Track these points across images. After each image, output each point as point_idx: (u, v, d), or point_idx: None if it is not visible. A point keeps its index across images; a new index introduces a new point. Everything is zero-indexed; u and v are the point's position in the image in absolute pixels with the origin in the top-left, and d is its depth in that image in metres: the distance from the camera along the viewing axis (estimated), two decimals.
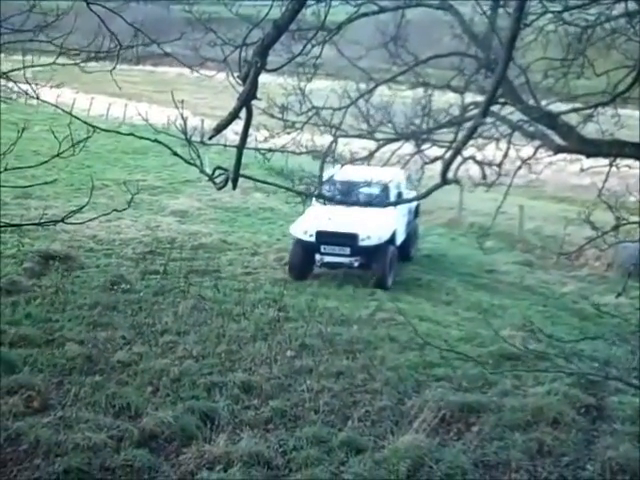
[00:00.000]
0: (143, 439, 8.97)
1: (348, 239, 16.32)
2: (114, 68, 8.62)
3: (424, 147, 10.57)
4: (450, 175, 5.16)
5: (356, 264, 16.43)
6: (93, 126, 6.54)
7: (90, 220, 7.52)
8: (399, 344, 12.76)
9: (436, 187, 4.71)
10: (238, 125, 5.47)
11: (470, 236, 21.49)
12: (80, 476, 8.07)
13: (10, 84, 8.67)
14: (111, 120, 39.69)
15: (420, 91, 11.17)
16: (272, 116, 9.20)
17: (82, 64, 8.75)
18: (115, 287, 14.39)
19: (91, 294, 13.94)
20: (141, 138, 5.99)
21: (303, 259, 16.51)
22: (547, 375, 11.05)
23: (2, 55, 9.52)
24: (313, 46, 8.63)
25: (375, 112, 11.01)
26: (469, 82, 9.91)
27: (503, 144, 9.22)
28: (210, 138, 5.16)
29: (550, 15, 9.03)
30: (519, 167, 10.02)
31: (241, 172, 5.27)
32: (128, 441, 8.86)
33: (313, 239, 16.43)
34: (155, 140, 5.49)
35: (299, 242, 16.63)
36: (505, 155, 9.05)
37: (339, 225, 16.27)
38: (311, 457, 8.78)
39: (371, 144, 11.17)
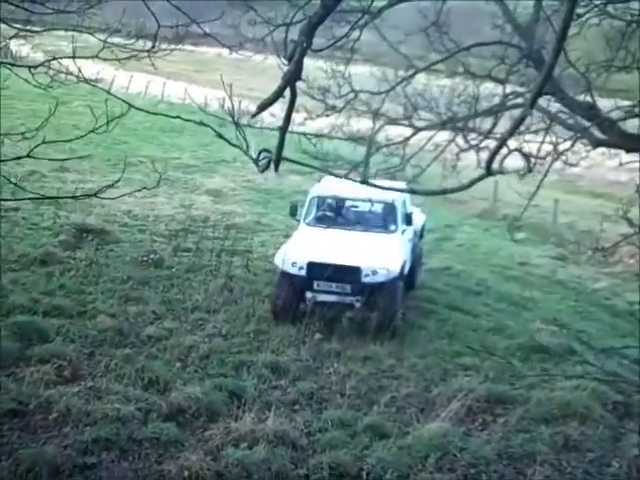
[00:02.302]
0: (171, 413, 9.08)
1: (348, 274, 12.27)
2: (153, 47, 8.69)
3: (461, 135, 10.54)
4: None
5: (357, 305, 12.34)
6: (130, 104, 6.59)
7: (122, 196, 7.57)
8: (427, 331, 12.76)
9: (480, 178, 4.67)
10: (274, 108, 5.48)
11: (503, 227, 21.32)
12: (108, 446, 8.20)
13: (53, 65, 8.75)
14: (149, 98, 39.83)
15: (458, 79, 11.12)
16: (313, 97, 9.20)
17: (123, 61, 8.81)
18: (148, 262, 14.50)
19: (124, 268, 14.08)
20: (188, 121, 6.00)
21: (290, 297, 12.32)
22: (575, 370, 10.99)
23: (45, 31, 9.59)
24: (354, 29, 8.62)
25: (414, 98, 10.98)
26: (511, 72, 9.85)
27: (539, 137, 9.20)
28: (253, 117, 5.17)
29: (595, 8, 8.94)
30: (555, 159, 9.95)
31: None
32: (156, 414, 8.99)
33: (304, 273, 12.32)
34: (201, 122, 5.49)
35: (286, 276, 12.46)
36: (540, 147, 9.00)
37: (337, 256, 12.42)
38: (335, 439, 8.85)
39: (406, 131, 11.15)
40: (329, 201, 14.11)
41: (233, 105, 5.15)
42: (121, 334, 11.18)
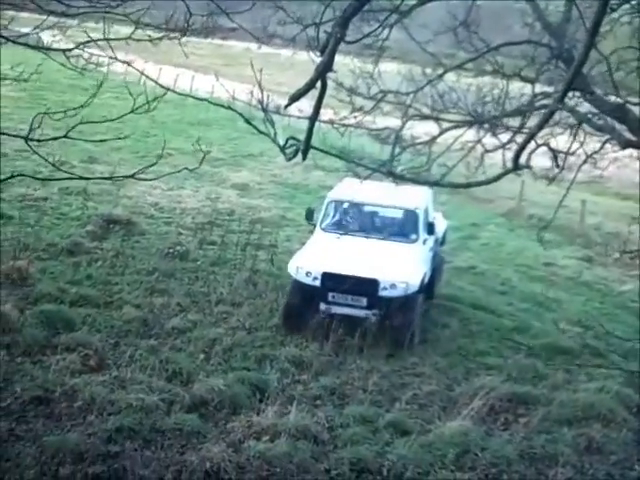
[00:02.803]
0: (193, 404, 9.16)
1: (366, 286, 11.57)
2: (184, 35, 8.74)
3: (488, 134, 10.49)
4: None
5: (374, 319, 11.55)
6: (166, 88, 6.64)
7: (157, 178, 7.61)
8: (450, 330, 12.74)
9: (507, 172, 4.68)
10: (302, 103, 5.51)
11: (529, 227, 21.22)
12: (131, 435, 8.29)
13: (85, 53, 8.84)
14: (178, 91, 39.98)
15: (486, 78, 11.07)
16: (341, 100, 9.22)
17: (155, 41, 8.87)
18: (173, 255, 14.60)
19: (150, 260, 14.19)
20: (215, 104, 6.07)
21: (303, 308, 11.60)
22: (600, 372, 10.94)
23: (76, 22, 9.69)
24: (384, 28, 8.62)
25: (442, 97, 10.95)
26: (540, 71, 9.79)
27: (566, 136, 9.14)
28: (286, 107, 5.21)
29: (627, 6, 8.88)
30: (584, 161, 9.89)
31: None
32: (179, 405, 9.08)
33: (318, 283, 11.66)
34: (229, 107, 5.55)
35: (299, 285, 11.85)
36: (571, 146, 8.94)
37: (354, 266, 11.74)
38: (357, 435, 8.88)
39: (433, 130, 11.12)
40: (347, 206, 13.38)
41: (262, 91, 5.19)
42: (146, 325, 11.28)
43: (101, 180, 18.31)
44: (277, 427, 8.66)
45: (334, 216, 13.23)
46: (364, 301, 11.64)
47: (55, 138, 5.51)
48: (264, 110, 5.02)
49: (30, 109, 29.86)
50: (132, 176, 5.86)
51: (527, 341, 12.45)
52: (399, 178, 5.94)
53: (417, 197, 13.12)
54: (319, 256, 12.06)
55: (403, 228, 13.02)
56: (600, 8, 3.94)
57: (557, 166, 6.36)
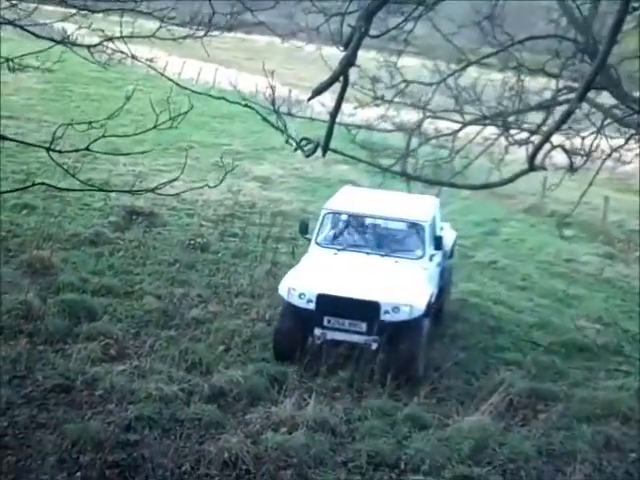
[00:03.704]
0: (212, 395, 9.22)
1: (365, 310, 10.30)
2: (206, 34, 8.79)
3: (510, 129, 10.47)
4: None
5: (374, 346, 10.29)
6: (186, 88, 6.67)
7: (178, 194, 7.68)
8: (470, 325, 12.73)
9: (523, 172, 4.66)
10: (324, 97, 5.53)
11: (550, 223, 21.13)
12: (151, 424, 8.36)
13: (110, 45, 8.92)
14: (201, 84, 40.04)
15: (510, 73, 11.05)
16: (362, 88, 9.22)
17: (179, 40, 8.93)
18: (194, 246, 14.68)
19: (171, 251, 14.27)
20: (232, 102, 6.10)
21: (295, 333, 10.42)
22: (620, 369, 10.90)
23: (100, 15, 9.77)
24: (408, 20, 8.63)
25: (464, 92, 10.94)
26: (565, 66, 9.76)
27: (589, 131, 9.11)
28: (309, 100, 5.25)
29: None
30: (608, 155, 9.84)
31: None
32: (198, 396, 9.14)
33: (312, 306, 10.37)
34: (246, 105, 5.59)
35: (291, 309, 10.58)
36: (593, 143, 8.91)
37: (352, 287, 10.48)
38: (375, 428, 8.89)
39: (455, 124, 11.12)
40: (345, 218, 11.99)
41: (274, 93, 5.21)
42: (166, 315, 11.36)
43: (124, 172, 18.50)
44: (295, 419, 8.69)
45: (331, 230, 11.90)
46: (364, 326, 10.35)
47: (77, 150, 5.54)
48: (275, 111, 5.05)
49: (55, 101, 30.15)
50: (153, 190, 5.87)
51: (547, 338, 12.43)
52: (413, 178, 5.93)
53: (423, 208, 12.06)
54: (314, 276, 10.76)
55: (408, 243, 11.68)
56: (622, 7, 3.93)
57: (571, 168, 6.31)
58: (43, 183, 6.06)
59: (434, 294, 11.29)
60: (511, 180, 5.07)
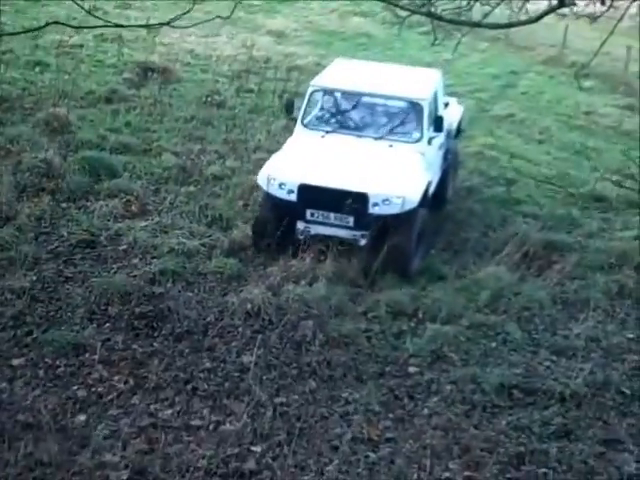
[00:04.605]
0: (232, 249, 9.40)
1: (352, 202, 9.20)
2: None
3: None
4: None
5: (363, 242, 9.43)
6: None
7: (192, 26, 7.48)
8: (486, 177, 12.75)
9: (552, 9, 4.55)
10: None
11: (570, 75, 20.75)
12: (174, 278, 8.57)
13: None
14: None
15: None
16: None
17: None
18: (211, 103, 14.58)
19: (187, 108, 14.19)
20: None
21: (275, 226, 9.29)
22: (635, 220, 10.98)
23: None
24: None
25: None
26: None
27: None
28: None
29: None
30: (632, 1, 9.52)
31: None
32: (219, 250, 9.32)
33: (293, 197, 9.40)
34: None
35: (271, 200, 9.61)
36: None
37: (338, 176, 9.40)
38: (392, 280, 9.07)
39: None
40: (335, 96, 10.76)
41: None
42: (185, 172, 11.41)
43: (136, 27, 18.15)
44: (315, 271, 8.88)
45: (319, 109, 10.73)
46: (351, 220, 9.37)
47: None
48: None
49: None
50: (168, 24, 5.74)
51: (563, 190, 12.47)
52: (438, 18, 5.75)
53: (422, 84, 10.83)
54: (296, 163, 9.71)
55: (404, 124, 10.38)
56: None
57: (602, 2, 6.07)
58: (57, 22, 5.93)
59: (433, 182, 10.43)
60: (539, 17, 4.94)
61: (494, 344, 8.10)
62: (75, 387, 6.77)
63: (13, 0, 18.90)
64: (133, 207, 10.12)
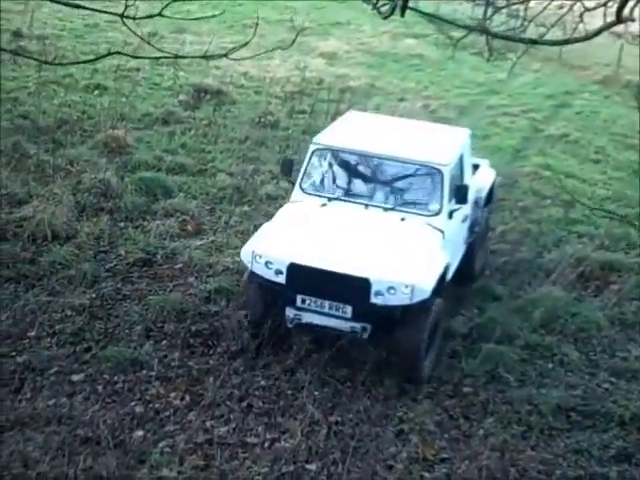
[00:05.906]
0: None
1: (350, 289, 7.48)
2: None
3: None
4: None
5: (364, 335, 7.57)
6: None
7: (251, 57, 7.66)
8: (542, 198, 12.65)
9: (609, 25, 4.50)
10: None
11: (626, 95, 20.53)
12: (229, 296, 8.65)
13: None
14: None
15: None
16: None
17: None
18: (264, 123, 14.73)
19: (241, 129, 14.35)
20: None
21: (262, 313, 7.88)
22: None
23: None
24: None
25: None
26: None
27: None
28: None
29: None
30: None
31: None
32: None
33: (282, 279, 7.61)
34: None
35: (256, 280, 7.83)
36: None
37: (335, 256, 7.62)
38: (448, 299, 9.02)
39: None
40: (342, 157, 8.83)
41: None
42: (239, 192, 11.54)
43: (191, 51, 18.42)
44: None
45: (321, 171, 8.83)
46: (348, 310, 7.55)
47: (150, 16, 5.57)
48: None
49: None
50: (225, 55, 5.87)
51: (620, 210, 12.29)
52: (493, 35, 5.71)
53: (445, 146, 8.95)
54: (288, 237, 7.93)
55: (419, 194, 8.53)
56: None
57: None
58: (119, 52, 6.13)
59: (452, 263, 8.60)
60: (597, 34, 4.88)
61: (550, 365, 8.04)
62: (133, 403, 6.89)
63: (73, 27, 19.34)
64: (189, 226, 10.28)
